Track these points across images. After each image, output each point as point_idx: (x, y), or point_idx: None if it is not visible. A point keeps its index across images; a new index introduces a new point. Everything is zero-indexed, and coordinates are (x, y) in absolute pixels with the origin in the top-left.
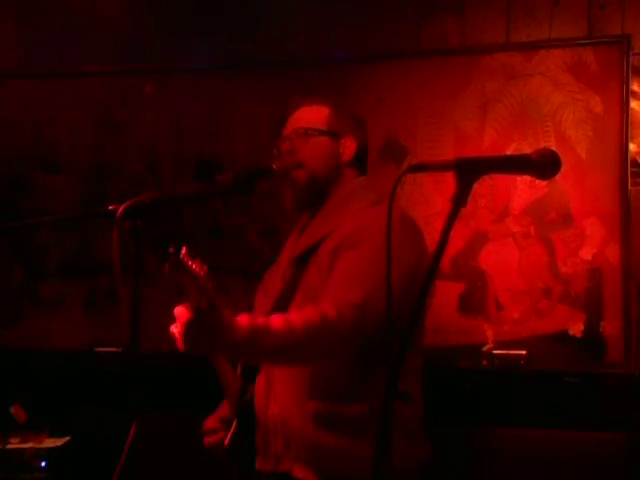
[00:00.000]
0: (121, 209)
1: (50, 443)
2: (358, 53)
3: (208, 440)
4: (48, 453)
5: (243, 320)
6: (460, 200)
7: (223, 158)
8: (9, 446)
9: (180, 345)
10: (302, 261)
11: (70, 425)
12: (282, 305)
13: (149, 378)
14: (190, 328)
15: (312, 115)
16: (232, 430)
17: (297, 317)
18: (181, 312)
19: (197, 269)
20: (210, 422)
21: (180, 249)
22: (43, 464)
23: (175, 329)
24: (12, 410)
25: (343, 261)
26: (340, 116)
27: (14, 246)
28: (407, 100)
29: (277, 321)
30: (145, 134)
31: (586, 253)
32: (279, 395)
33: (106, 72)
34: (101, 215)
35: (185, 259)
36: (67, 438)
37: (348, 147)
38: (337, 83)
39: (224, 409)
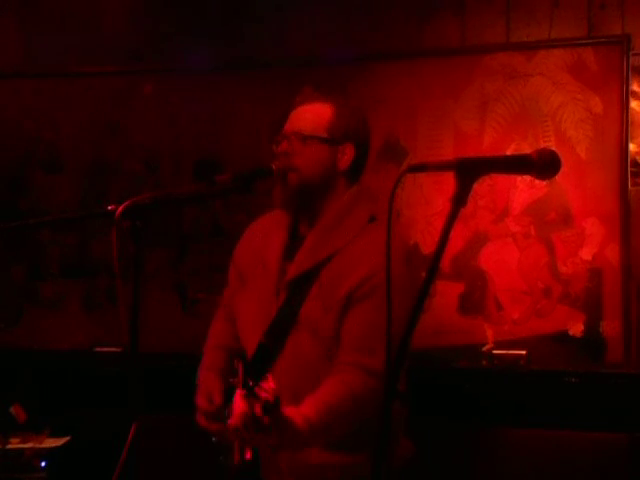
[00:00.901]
0: (120, 209)
1: (50, 443)
2: (358, 53)
3: (206, 425)
4: (48, 453)
5: (298, 419)
6: (460, 200)
7: (223, 158)
8: (9, 446)
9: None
10: (299, 282)
11: (70, 425)
12: (279, 333)
13: (149, 378)
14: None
15: (314, 117)
16: (237, 446)
17: (334, 401)
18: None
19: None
20: (204, 402)
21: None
22: (43, 464)
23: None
24: (12, 410)
25: (360, 313)
26: (343, 119)
27: (14, 246)
28: (407, 100)
29: (322, 412)
30: (145, 134)
31: (586, 253)
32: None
33: (106, 72)
34: (100, 215)
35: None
36: (67, 438)
37: (347, 155)
38: (337, 83)
39: (213, 386)
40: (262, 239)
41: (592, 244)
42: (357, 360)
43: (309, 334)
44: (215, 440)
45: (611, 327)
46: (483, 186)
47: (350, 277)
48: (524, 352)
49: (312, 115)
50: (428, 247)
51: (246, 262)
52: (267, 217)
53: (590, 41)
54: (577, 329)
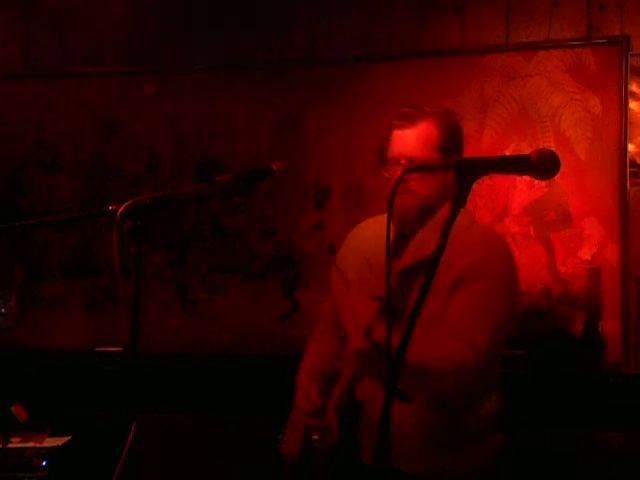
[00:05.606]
0: (121, 209)
1: (51, 442)
2: (358, 53)
3: (307, 422)
4: (49, 452)
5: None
6: (459, 200)
7: (223, 158)
8: (10, 445)
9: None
10: (409, 273)
11: (70, 425)
12: (389, 314)
13: (149, 378)
14: None
15: (424, 143)
16: (336, 425)
17: (434, 362)
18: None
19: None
20: (304, 402)
21: None
22: (44, 463)
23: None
24: (13, 410)
25: (465, 295)
26: (451, 138)
27: (15, 246)
28: (407, 100)
29: (423, 362)
30: (145, 134)
31: (585, 253)
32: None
33: (106, 72)
34: (101, 215)
35: None
36: (68, 437)
37: None
38: (337, 83)
39: (311, 388)
40: (369, 243)
41: (591, 244)
42: (460, 336)
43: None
44: (316, 439)
45: (610, 327)
46: (482, 186)
47: (457, 265)
48: (524, 352)
49: (422, 140)
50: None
51: (351, 266)
52: (369, 223)
53: (589, 42)
54: (576, 329)
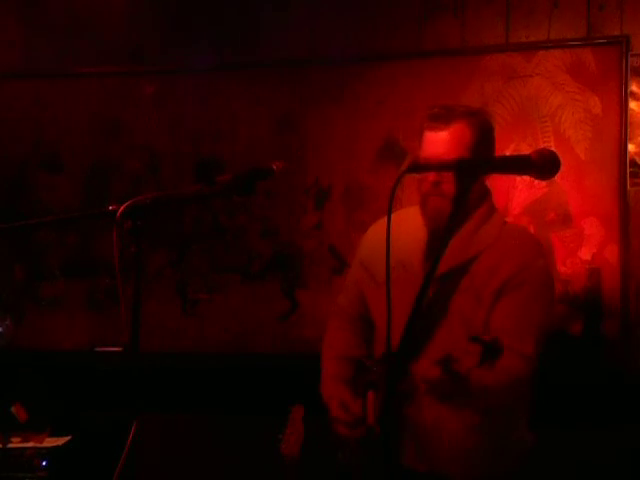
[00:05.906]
0: (121, 209)
1: (51, 442)
2: (358, 53)
3: (347, 433)
4: (49, 452)
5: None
6: (460, 200)
7: (223, 158)
8: (10, 445)
9: None
10: (447, 278)
11: (71, 425)
12: (428, 326)
13: (149, 378)
14: None
15: (457, 145)
16: (378, 432)
17: (501, 372)
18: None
19: None
20: (341, 413)
21: None
22: (44, 463)
23: None
24: (13, 410)
25: (512, 303)
26: (484, 137)
27: (15, 246)
28: (407, 100)
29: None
30: (145, 134)
31: (585, 253)
32: (433, 401)
33: (106, 72)
34: (101, 215)
35: None
36: (68, 437)
37: None
38: (337, 83)
39: (345, 397)
40: (398, 243)
41: (591, 244)
42: (511, 345)
43: (460, 324)
44: (341, 457)
45: (610, 327)
46: None
47: (501, 271)
48: None
49: (455, 142)
50: None
51: (382, 266)
52: (393, 219)
53: (589, 42)
54: (576, 329)
